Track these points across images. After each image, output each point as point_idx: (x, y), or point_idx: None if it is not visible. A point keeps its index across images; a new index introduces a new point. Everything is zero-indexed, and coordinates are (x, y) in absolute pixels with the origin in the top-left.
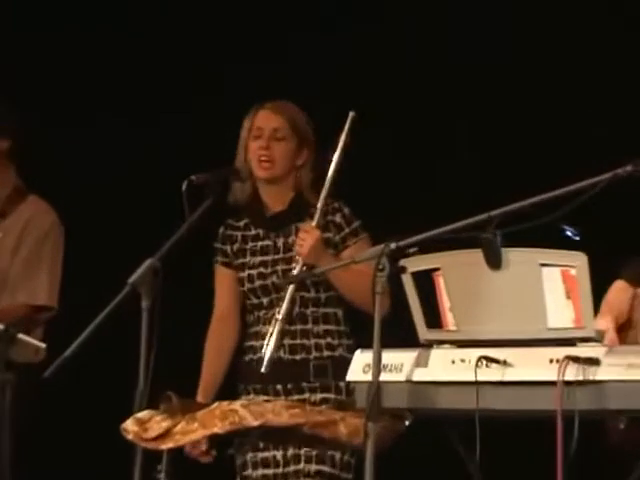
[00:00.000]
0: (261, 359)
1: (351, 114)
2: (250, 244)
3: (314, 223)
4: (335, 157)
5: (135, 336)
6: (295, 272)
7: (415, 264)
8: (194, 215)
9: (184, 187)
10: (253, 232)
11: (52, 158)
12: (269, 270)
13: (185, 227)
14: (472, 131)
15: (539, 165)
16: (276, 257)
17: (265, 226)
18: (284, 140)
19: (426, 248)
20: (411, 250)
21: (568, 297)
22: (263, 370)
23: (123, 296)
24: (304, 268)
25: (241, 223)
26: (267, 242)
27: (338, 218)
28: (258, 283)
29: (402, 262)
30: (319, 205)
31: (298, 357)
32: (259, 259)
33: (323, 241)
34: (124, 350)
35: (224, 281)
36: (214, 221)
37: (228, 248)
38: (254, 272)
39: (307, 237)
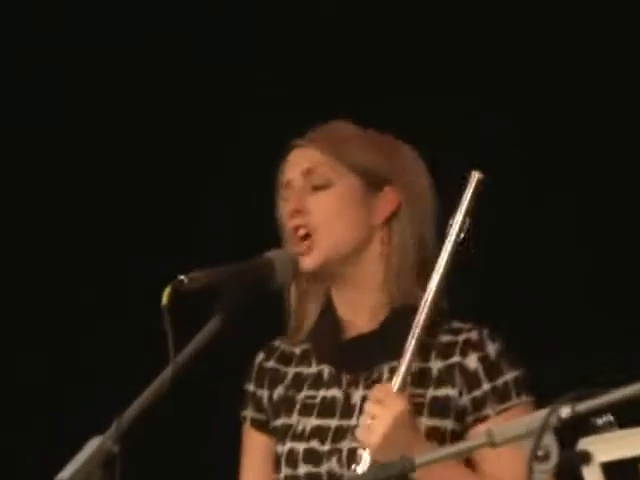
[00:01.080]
0: None
1: (476, 175)
2: (306, 392)
3: (397, 380)
4: (451, 238)
5: None
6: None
7: (609, 448)
8: (186, 351)
9: (165, 296)
10: (314, 369)
11: None
12: (327, 448)
13: (167, 375)
14: None
15: None
16: (344, 423)
17: (335, 359)
18: (329, 187)
19: (626, 416)
20: (601, 421)
21: None
22: None
23: None
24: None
25: (297, 349)
26: (334, 392)
27: (473, 360)
28: (304, 470)
29: (584, 443)
30: (418, 326)
31: None
32: (315, 423)
33: (411, 416)
34: None
35: (255, 454)
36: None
37: (265, 394)
38: (300, 447)
39: (381, 412)
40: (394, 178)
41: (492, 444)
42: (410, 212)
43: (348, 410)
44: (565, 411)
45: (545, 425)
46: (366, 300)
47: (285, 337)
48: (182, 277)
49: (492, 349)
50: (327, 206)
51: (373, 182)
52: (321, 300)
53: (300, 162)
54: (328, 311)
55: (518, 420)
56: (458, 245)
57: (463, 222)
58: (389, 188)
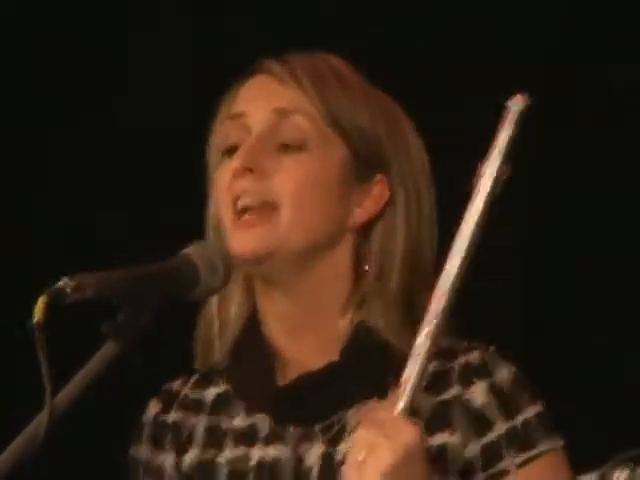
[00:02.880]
0: None
1: (516, 104)
2: (232, 450)
3: (400, 404)
4: (481, 196)
5: None
6: None
7: None
8: (70, 388)
9: (38, 311)
10: (241, 422)
11: None
12: None
13: (41, 423)
14: None
15: None
16: None
17: (275, 408)
18: (304, 150)
19: None
20: None
21: None
22: None
23: None
24: None
25: (208, 393)
26: (277, 450)
27: (479, 392)
28: None
29: None
30: (419, 343)
31: None
32: None
33: (423, 459)
34: None
35: None
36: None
37: (169, 460)
38: None
39: (383, 441)
40: (392, 163)
41: None
42: (405, 214)
43: (301, 477)
44: (622, 477)
45: None
46: (316, 324)
47: (187, 377)
48: (62, 284)
49: (504, 374)
50: (302, 173)
51: (366, 163)
52: (244, 310)
53: (269, 96)
54: (254, 334)
55: None
56: (489, 206)
57: (500, 171)
58: (381, 177)
